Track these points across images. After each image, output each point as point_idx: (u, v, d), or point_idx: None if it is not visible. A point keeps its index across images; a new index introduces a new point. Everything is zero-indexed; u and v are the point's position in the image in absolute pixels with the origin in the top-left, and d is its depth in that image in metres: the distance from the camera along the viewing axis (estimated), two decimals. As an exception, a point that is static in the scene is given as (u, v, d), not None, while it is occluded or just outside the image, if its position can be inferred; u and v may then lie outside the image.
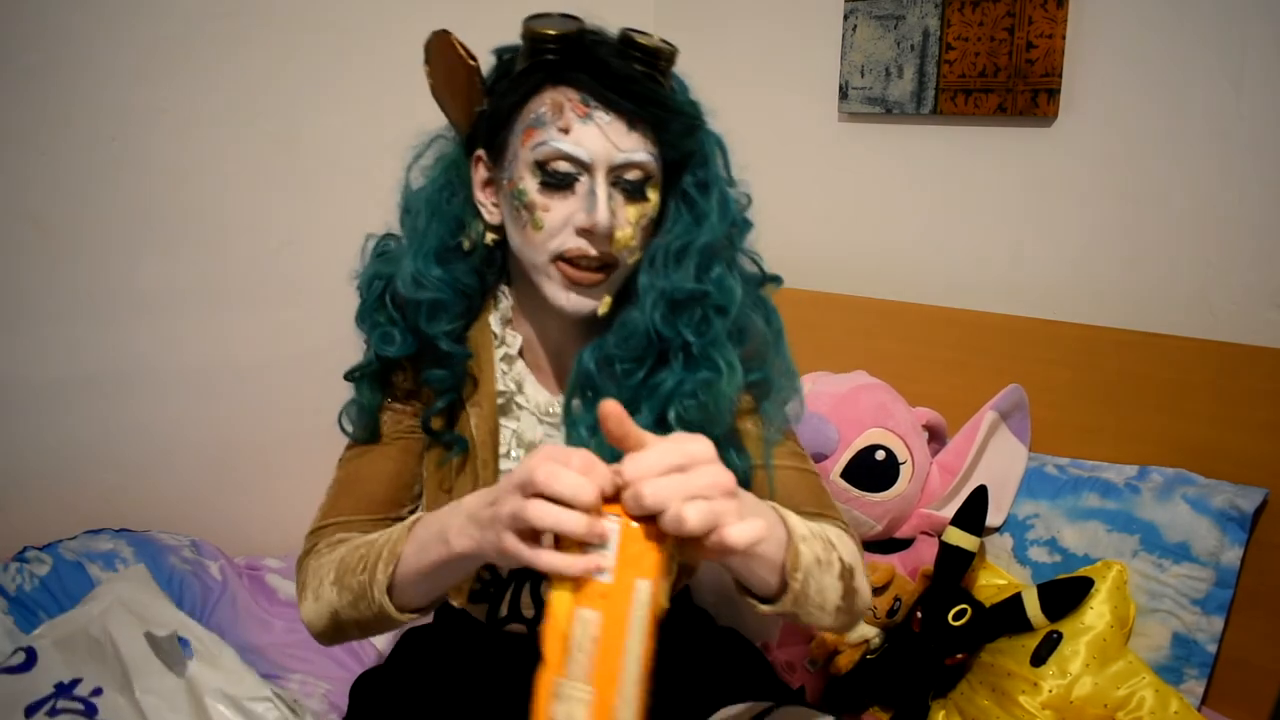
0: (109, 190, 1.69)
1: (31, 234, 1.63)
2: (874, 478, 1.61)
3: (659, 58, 0.94)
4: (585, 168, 0.92)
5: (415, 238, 1.00)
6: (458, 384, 1.02)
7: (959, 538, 1.52)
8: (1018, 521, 1.63)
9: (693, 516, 0.67)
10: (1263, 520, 1.48)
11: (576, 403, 0.99)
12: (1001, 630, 1.48)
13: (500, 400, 1.04)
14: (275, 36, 1.83)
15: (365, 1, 1.93)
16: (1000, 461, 1.66)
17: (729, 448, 0.99)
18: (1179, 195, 1.65)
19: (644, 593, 0.69)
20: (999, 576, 1.61)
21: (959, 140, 1.90)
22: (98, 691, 1.31)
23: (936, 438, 1.75)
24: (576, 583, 0.69)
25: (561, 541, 0.71)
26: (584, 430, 0.96)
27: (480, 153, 1.00)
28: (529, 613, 1.07)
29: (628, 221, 0.94)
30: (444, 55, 0.99)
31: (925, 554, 1.61)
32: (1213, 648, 1.46)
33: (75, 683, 1.31)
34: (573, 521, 0.69)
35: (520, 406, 1.05)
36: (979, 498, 1.54)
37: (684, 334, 0.95)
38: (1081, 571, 1.51)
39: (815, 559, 0.86)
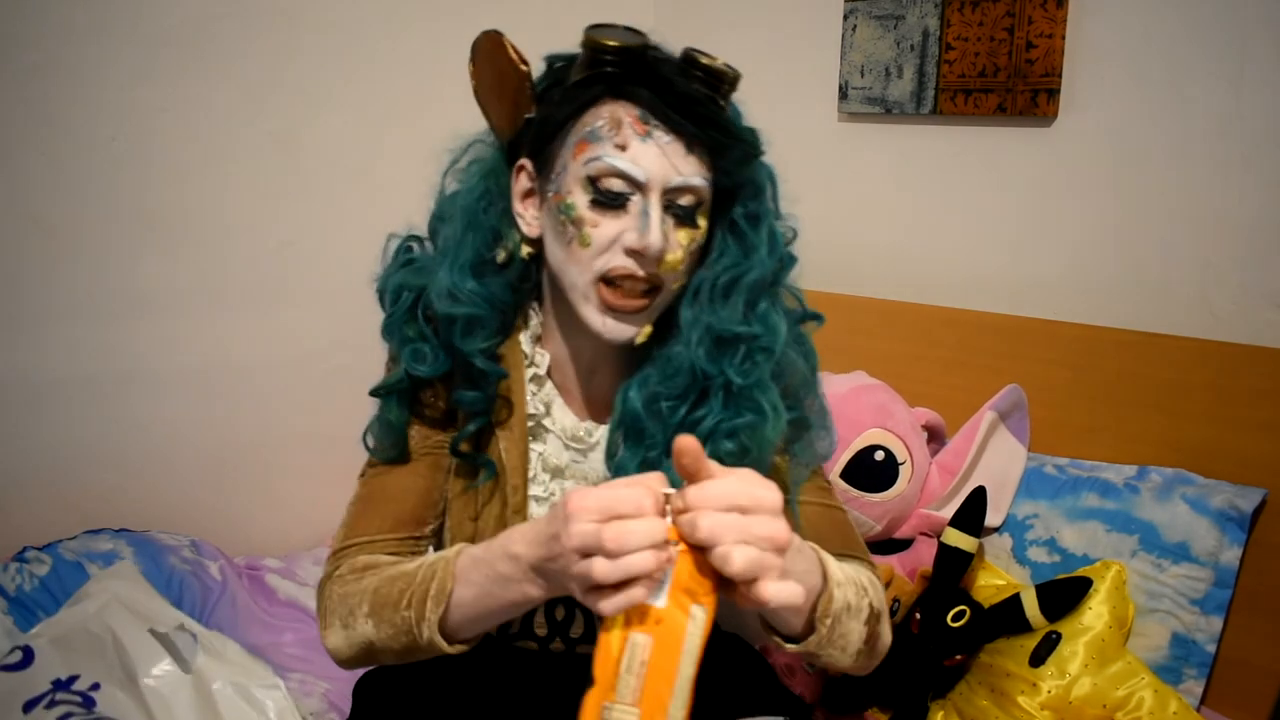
0: (109, 190, 1.69)
1: (31, 234, 1.63)
2: (873, 478, 1.61)
3: (722, 80, 0.91)
4: (640, 187, 0.89)
5: (450, 248, 0.96)
6: (489, 406, 0.98)
7: (958, 539, 1.52)
8: (1017, 521, 1.63)
9: (738, 561, 0.67)
10: (1262, 520, 1.48)
11: (619, 443, 0.96)
12: (1000, 631, 1.48)
13: (530, 423, 1.01)
14: (276, 37, 1.84)
15: (366, 2, 1.94)
16: (999, 462, 1.66)
17: None
18: (1179, 195, 1.65)
19: (699, 619, 0.68)
20: (998, 577, 1.61)
21: (959, 140, 1.89)
22: (95, 686, 1.31)
23: (936, 438, 1.75)
24: (635, 610, 0.68)
25: None
26: (632, 471, 0.93)
27: (524, 162, 0.96)
28: (541, 631, 1.06)
29: (679, 245, 0.91)
30: (493, 58, 0.94)
31: (924, 555, 1.61)
32: (1212, 648, 1.46)
33: (73, 679, 1.32)
34: (643, 565, 0.68)
35: (547, 430, 1.02)
36: (978, 499, 1.54)
37: (727, 373, 0.92)
38: (1080, 572, 1.51)
39: (846, 604, 0.85)
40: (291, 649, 1.59)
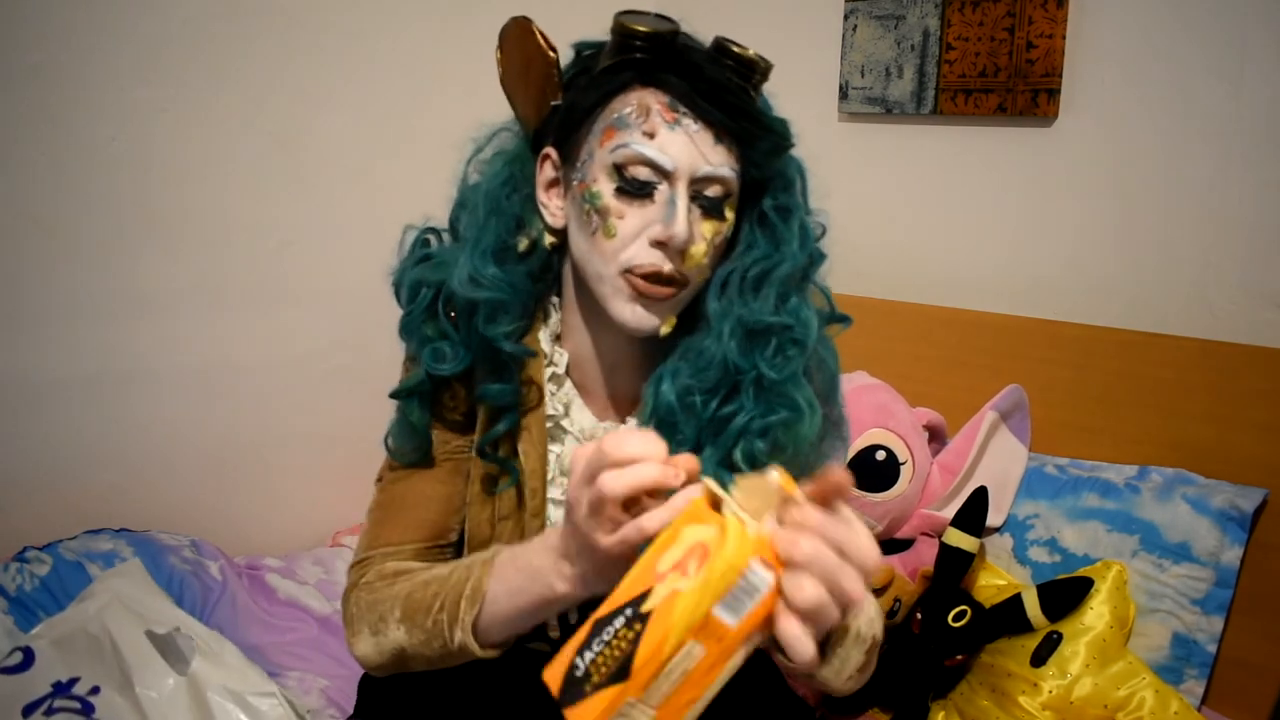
0: (109, 190, 1.69)
1: (32, 234, 1.63)
2: (874, 478, 1.61)
3: (754, 70, 0.89)
4: (667, 176, 0.87)
5: (473, 233, 0.94)
6: (516, 401, 0.96)
7: (959, 539, 1.52)
8: (1018, 521, 1.63)
9: (809, 594, 0.61)
10: (1262, 520, 1.48)
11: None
12: (1001, 631, 1.48)
13: (548, 424, 0.98)
14: (276, 37, 1.83)
15: (366, 3, 1.93)
16: (1000, 462, 1.66)
17: None
18: (1178, 195, 1.65)
19: (752, 646, 0.64)
20: (999, 577, 1.61)
21: (959, 140, 1.90)
22: (95, 690, 1.30)
23: (937, 438, 1.75)
24: (704, 619, 0.61)
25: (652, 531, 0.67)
26: None
27: (549, 150, 0.94)
28: (555, 634, 1.04)
29: (703, 238, 0.89)
30: (522, 44, 0.92)
31: (925, 555, 1.61)
32: (1212, 648, 1.46)
33: (73, 682, 1.31)
34: (649, 473, 0.67)
35: (565, 430, 0.99)
36: (979, 499, 1.54)
37: (760, 366, 0.90)
38: (1081, 572, 1.51)
39: (857, 633, 0.83)
40: (290, 648, 1.59)
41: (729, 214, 0.91)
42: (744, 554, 0.61)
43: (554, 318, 1.00)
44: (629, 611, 0.62)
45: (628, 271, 0.89)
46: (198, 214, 1.79)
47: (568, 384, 1.00)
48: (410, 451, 0.99)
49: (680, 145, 0.87)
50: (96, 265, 1.70)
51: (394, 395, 0.99)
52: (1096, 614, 1.45)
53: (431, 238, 1.01)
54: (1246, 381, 1.52)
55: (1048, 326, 1.73)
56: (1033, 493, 1.64)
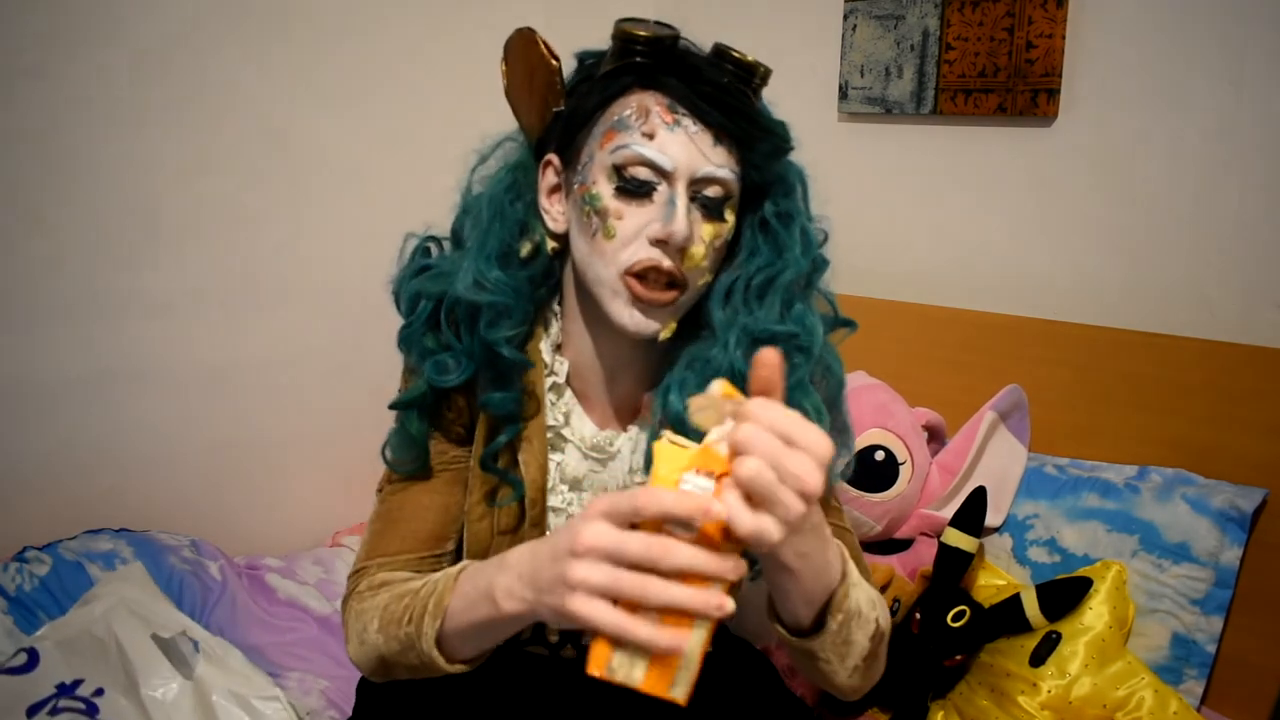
0: (109, 190, 1.69)
1: (32, 234, 1.63)
2: (873, 478, 1.61)
3: (753, 74, 0.90)
4: (666, 176, 0.88)
5: (477, 238, 0.95)
6: (518, 410, 0.96)
7: (958, 539, 1.52)
8: (1017, 521, 1.63)
9: (749, 469, 0.63)
10: (1262, 520, 1.48)
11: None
12: (1000, 631, 1.48)
13: (549, 434, 0.99)
14: (276, 37, 1.84)
15: (366, 3, 1.93)
16: (999, 462, 1.66)
17: None
18: (1179, 195, 1.65)
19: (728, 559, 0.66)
20: (998, 577, 1.61)
21: (959, 140, 1.89)
22: (99, 692, 1.31)
23: (936, 438, 1.75)
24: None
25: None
26: None
27: (551, 156, 0.95)
28: (553, 638, 1.05)
29: (702, 239, 0.89)
30: (525, 54, 0.94)
31: (924, 555, 1.61)
32: (1212, 648, 1.46)
33: (77, 683, 1.31)
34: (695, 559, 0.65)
35: (565, 440, 1.00)
36: (978, 499, 1.54)
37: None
38: (1081, 572, 1.51)
39: (859, 609, 0.83)
40: (290, 648, 1.59)
41: (729, 216, 0.92)
42: (674, 469, 0.66)
43: (555, 326, 1.00)
44: None
45: (627, 273, 0.89)
46: (197, 214, 1.79)
47: (568, 393, 1.00)
48: (408, 462, 0.99)
49: (679, 146, 0.88)
50: (96, 265, 1.70)
51: (394, 406, 0.99)
52: (1096, 614, 1.45)
53: (432, 246, 1.01)
54: (1246, 381, 1.52)
55: (1048, 326, 1.73)
56: (1032, 493, 1.64)
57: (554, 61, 0.92)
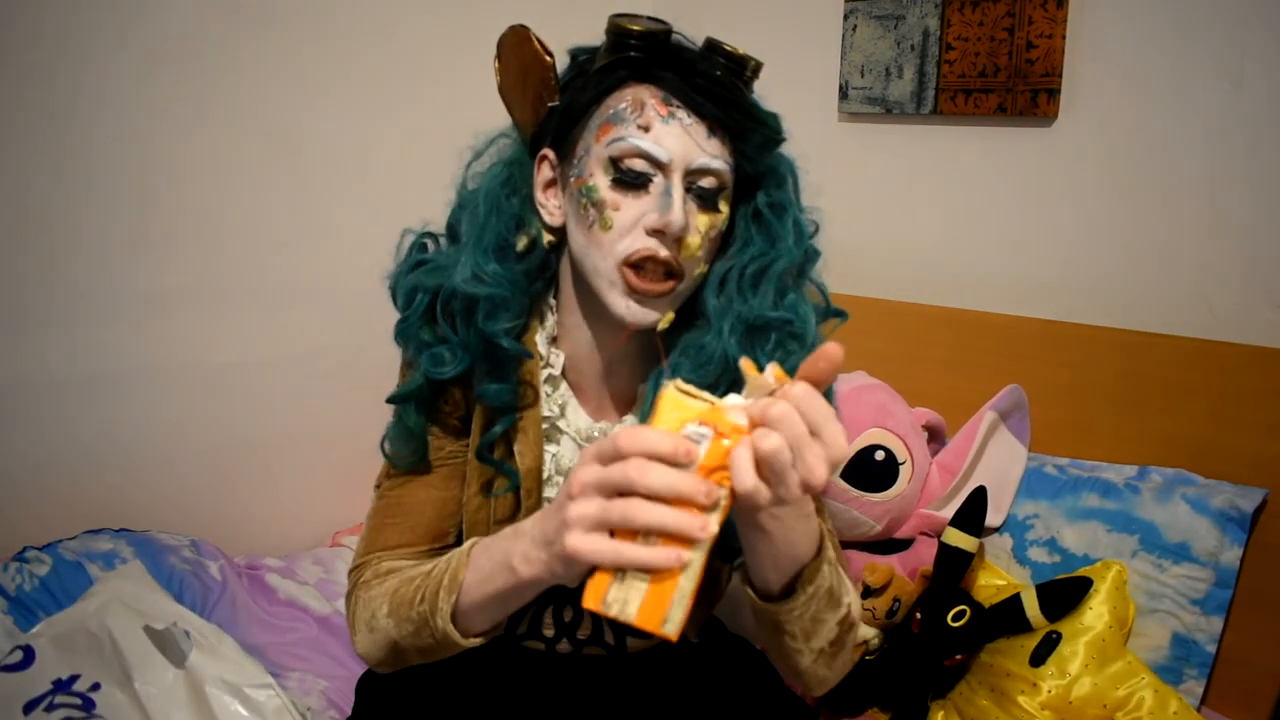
0: (109, 190, 1.69)
1: (32, 234, 1.63)
2: (873, 478, 1.61)
3: (744, 66, 0.92)
4: (662, 168, 0.90)
5: (473, 232, 0.96)
6: (515, 401, 0.97)
7: (958, 538, 1.52)
8: (1017, 521, 1.63)
9: (771, 443, 0.65)
10: (1262, 520, 1.48)
11: None
12: (1001, 631, 1.48)
13: (544, 426, 1.00)
14: (275, 36, 1.84)
15: (366, 3, 1.94)
16: (999, 462, 1.66)
17: None
18: (1178, 195, 1.65)
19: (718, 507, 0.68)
20: (998, 577, 1.61)
21: (959, 140, 1.90)
22: (95, 687, 1.31)
23: (936, 438, 1.75)
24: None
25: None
26: None
27: (546, 151, 0.96)
28: (549, 632, 1.05)
29: (697, 230, 0.91)
30: (519, 51, 0.95)
31: (925, 555, 1.61)
32: (1212, 648, 1.46)
33: (73, 679, 1.32)
34: (687, 484, 0.66)
35: (561, 431, 1.01)
36: (978, 499, 1.54)
37: (760, 362, 0.90)
38: (1081, 572, 1.51)
39: (830, 588, 0.83)
40: (290, 648, 1.59)
41: (723, 207, 0.93)
42: (678, 419, 0.68)
43: (550, 320, 1.01)
44: None
45: (625, 264, 0.90)
46: (197, 214, 1.80)
47: (563, 385, 1.01)
48: (407, 456, 1.00)
49: (674, 137, 0.90)
50: (96, 265, 1.70)
51: (391, 400, 1.00)
52: (1096, 614, 1.45)
53: (428, 242, 1.02)
54: (1246, 381, 1.52)
55: (1048, 326, 1.73)
56: (1032, 493, 1.64)
57: (548, 58, 0.93)
